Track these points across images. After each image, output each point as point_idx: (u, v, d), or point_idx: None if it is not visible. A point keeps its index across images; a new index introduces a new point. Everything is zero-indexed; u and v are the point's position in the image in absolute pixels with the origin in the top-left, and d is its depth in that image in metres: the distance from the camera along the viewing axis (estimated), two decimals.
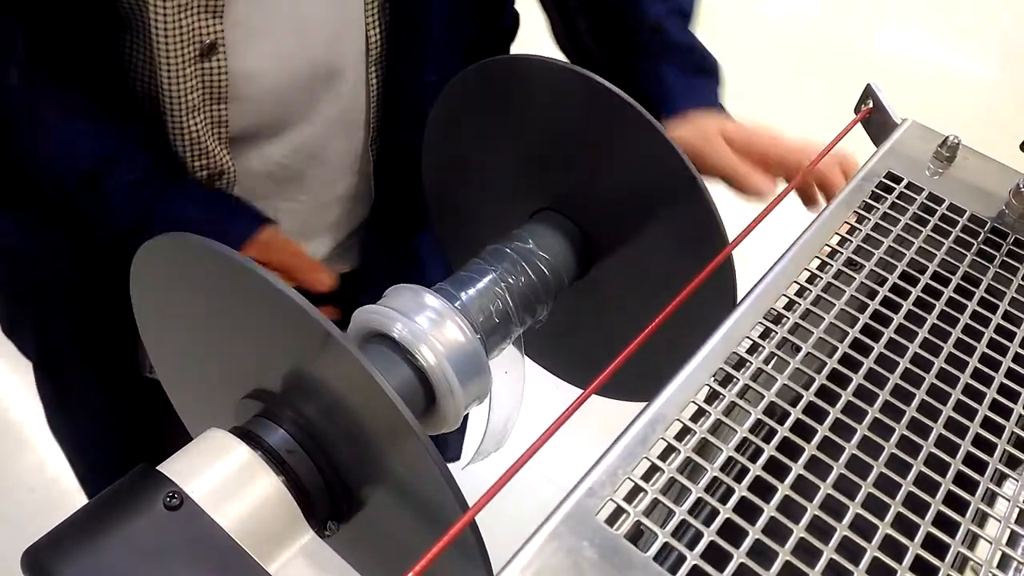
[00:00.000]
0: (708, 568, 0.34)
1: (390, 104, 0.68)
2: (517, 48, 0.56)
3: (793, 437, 0.39)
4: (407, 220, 0.77)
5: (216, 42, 0.55)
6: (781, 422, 0.40)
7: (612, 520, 0.36)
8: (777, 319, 0.45)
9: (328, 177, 0.70)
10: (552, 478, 1.44)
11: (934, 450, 0.40)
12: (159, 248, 0.44)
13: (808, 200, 0.63)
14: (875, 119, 0.59)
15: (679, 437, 0.39)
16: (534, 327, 0.59)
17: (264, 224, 0.60)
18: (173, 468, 0.38)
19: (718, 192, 0.54)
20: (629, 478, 0.37)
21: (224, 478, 0.38)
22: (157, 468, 0.38)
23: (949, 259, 0.49)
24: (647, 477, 0.37)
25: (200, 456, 0.39)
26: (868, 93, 0.59)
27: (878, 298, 0.46)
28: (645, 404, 0.40)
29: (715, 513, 0.36)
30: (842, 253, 0.48)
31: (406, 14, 0.63)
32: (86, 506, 0.37)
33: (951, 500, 0.38)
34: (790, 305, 0.46)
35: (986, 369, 0.44)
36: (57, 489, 1.39)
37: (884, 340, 0.44)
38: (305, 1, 0.59)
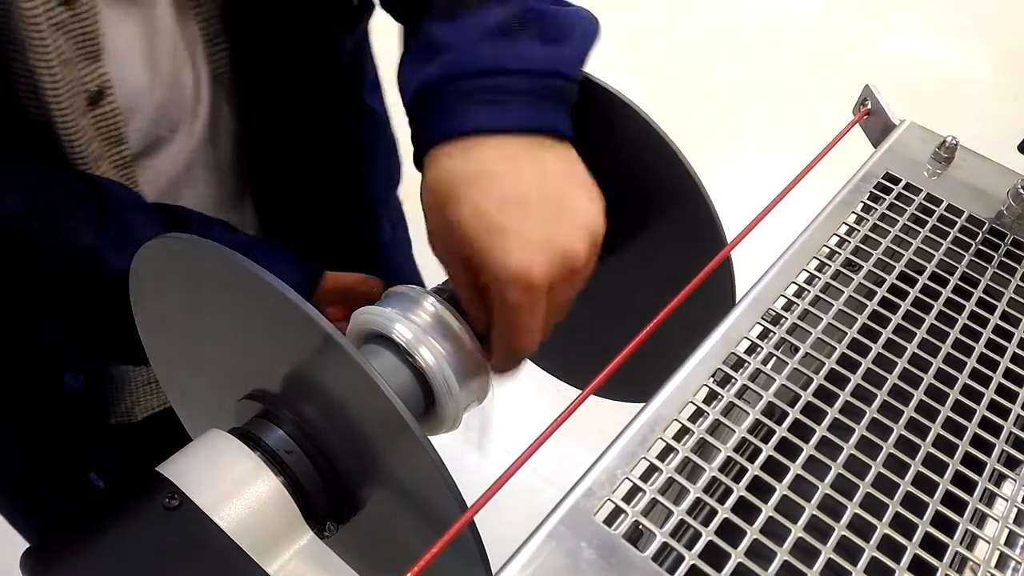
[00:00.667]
0: (706, 568, 0.34)
1: (247, 88, 0.62)
2: None
3: (791, 437, 0.39)
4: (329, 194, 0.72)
5: (103, 87, 0.52)
6: (779, 422, 0.40)
7: (611, 520, 0.36)
8: (775, 320, 0.45)
9: (225, 159, 0.66)
10: (551, 478, 1.44)
11: (932, 450, 0.40)
12: (159, 248, 0.44)
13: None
14: (873, 120, 0.59)
15: (677, 437, 0.39)
16: None
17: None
18: (172, 469, 0.38)
19: (717, 192, 0.54)
20: (628, 478, 0.37)
21: (223, 479, 0.39)
22: (156, 469, 0.38)
23: (947, 260, 0.50)
24: (646, 477, 0.37)
25: (199, 457, 0.40)
26: (866, 94, 0.59)
27: (876, 298, 0.46)
28: (643, 405, 0.40)
29: (713, 513, 0.36)
30: (840, 254, 0.49)
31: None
32: (85, 507, 0.37)
33: (949, 500, 0.38)
34: (788, 306, 0.46)
35: (984, 369, 0.44)
36: None
37: (882, 340, 0.44)
38: (158, 13, 0.55)
